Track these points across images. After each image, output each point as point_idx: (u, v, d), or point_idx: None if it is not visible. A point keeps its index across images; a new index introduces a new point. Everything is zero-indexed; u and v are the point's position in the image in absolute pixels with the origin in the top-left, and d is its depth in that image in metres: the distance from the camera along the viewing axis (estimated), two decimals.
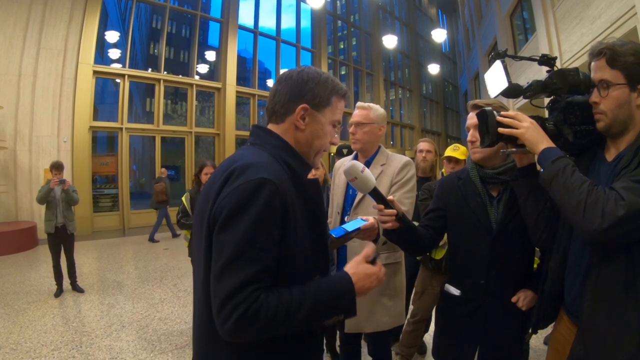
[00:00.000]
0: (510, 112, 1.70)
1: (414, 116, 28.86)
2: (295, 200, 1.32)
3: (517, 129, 1.64)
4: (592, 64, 1.58)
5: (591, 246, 1.55)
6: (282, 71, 1.49)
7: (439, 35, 23.76)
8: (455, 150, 3.80)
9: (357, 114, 2.76)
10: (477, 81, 24.48)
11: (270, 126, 1.46)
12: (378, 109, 2.78)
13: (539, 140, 1.60)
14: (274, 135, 1.43)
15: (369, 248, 1.44)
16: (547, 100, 1.85)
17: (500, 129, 1.67)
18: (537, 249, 2.14)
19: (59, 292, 6.35)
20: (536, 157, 1.72)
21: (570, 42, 9.83)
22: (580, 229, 1.40)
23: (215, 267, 1.19)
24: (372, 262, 1.41)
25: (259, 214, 1.19)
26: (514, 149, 1.77)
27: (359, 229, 2.04)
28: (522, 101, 11.16)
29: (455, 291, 2.23)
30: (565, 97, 1.71)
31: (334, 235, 1.97)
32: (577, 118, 1.67)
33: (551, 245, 1.81)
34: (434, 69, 26.61)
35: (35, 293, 6.46)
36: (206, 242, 1.26)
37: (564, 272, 1.73)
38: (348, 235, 2.03)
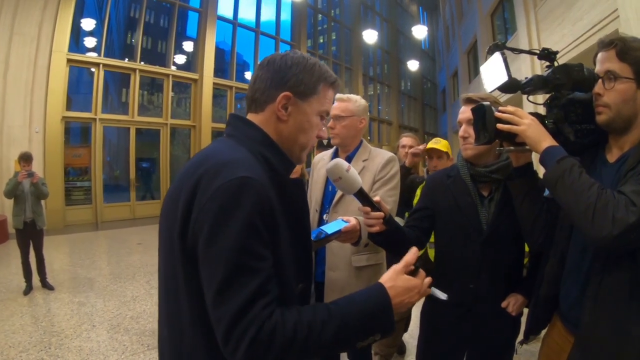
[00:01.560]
0: (510, 108, 1.60)
1: (392, 112, 28.93)
2: (277, 202, 1.16)
3: (517, 125, 1.54)
4: (600, 54, 1.50)
5: (594, 250, 1.47)
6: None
7: (420, 31, 23.90)
8: (437, 143, 3.67)
9: (335, 107, 2.62)
10: (456, 78, 24.66)
11: (250, 116, 1.30)
12: (358, 100, 2.64)
13: (542, 138, 1.50)
14: (254, 127, 1.26)
15: (409, 255, 1.28)
16: (537, 98, 1.78)
17: (500, 125, 1.57)
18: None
19: (28, 289, 6.14)
20: (533, 155, 1.65)
21: (551, 42, 9.85)
22: (589, 235, 1.33)
23: (210, 290, 1.03)
24: (413, 272, 1.25)
25: (249, 217, 1.03)
26: (511, 148, 1.67)
27: (339, 231, 1.89)
28: (505, 97, 11.16)
29: (442, 295, 2.10)
30: (566, 94, 1.63)
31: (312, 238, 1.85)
32: (578, 116, 1.60)
33: (548, 248, 1.73)
34: (413, 65, 26.72)
35: (4, 291, 6.24)
36: (183, 260, 1.11)
37: (560, 276, 1.66)
38: (327, 238, 1.88)
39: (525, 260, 2.18)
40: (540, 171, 1.57)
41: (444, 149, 3.61)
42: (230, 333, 0.99)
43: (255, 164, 1.16)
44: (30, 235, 6.22)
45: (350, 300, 1.16)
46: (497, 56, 1.79)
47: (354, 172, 1.60)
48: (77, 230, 11.64)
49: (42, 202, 6.43)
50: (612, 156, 1.55)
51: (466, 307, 2.03)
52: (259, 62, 1.31)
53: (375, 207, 1.70)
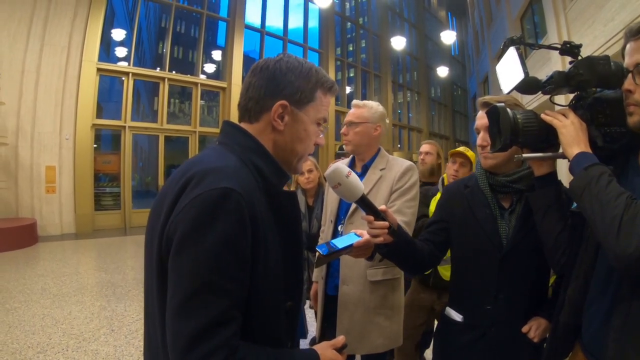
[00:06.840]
0: (562, 109, 1.46)
1: (421, 119, 28.66)
2: (266, 216, 1.10)
3: (559, 120, 1.41)
4: (628, 45, 1.28)
5: (622, 272, 1.27)
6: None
7: (448, 36, 23.74)
8: (465, 150, 3.41)
9: (350, 113, 2.55)
10: (486, 84, 24.33)
11: (244, 126, 1.24)
12: (374, 107, 2.53)
13: (576, 141, 1.35)
14: (246, 135, 1.20)
15: (341, 337, 1.29)
16: (564, 99, 1.62)
17: (543, 115, 1.44)
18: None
19: None
20: (555, 163, 1.51)
21: (582, 45, 9.63)
22: (613, 253, 1.15)
23: (172, 302, 0.96)
24: (340, 350, 1.26)
25: (226, 231, 0.97)
26: (530, 155, 1.52)
27: (350, 245, 1.78)
28: (534, 104, 10.87)
29: (456, 316, 1.94)
30: (592, 93, 1.43)
31: (321, 252, 1.74)
32: (606, 118, 1.39)
33: (571, 269, 1.51)
34: (442, 71, 26.49)
35: (28, 292, 6.32)
36: (158, 270, 1.05)
37: (584, 301, 1.44)
38: (337, 252, 1.78)
39: (551, 280, 1.96)
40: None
41: (469, 153, 3.36)
42: (190, 351, 0.92)
43: (244, 173, 1.10)
44: None
45: (294, 356, 1.17)
46: (511, 51, 1.59)
47: (355, 177, 1.51)
48: (105, 235, 11.83)
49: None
50: None
51: (481, 330, 1.83)
52: (251, 67, 1.25)
53: (380, 215, 1.60)
